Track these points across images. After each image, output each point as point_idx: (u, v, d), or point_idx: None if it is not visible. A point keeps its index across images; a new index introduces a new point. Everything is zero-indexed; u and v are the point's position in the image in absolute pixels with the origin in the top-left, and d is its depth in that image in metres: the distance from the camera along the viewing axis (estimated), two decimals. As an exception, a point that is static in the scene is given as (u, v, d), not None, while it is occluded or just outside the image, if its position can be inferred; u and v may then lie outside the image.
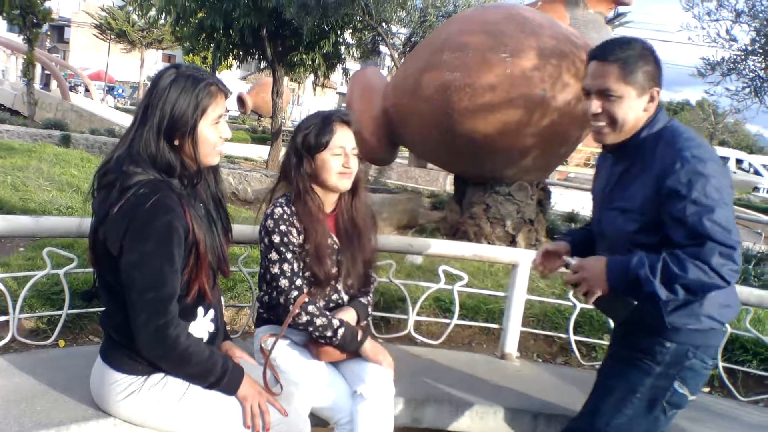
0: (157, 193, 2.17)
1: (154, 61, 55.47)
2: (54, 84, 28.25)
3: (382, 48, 15.10)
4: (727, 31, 8.04)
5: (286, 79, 22.74)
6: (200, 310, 2.40)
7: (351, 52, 15.99)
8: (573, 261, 2.50)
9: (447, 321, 4.30)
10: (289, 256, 2.74)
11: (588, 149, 23.48)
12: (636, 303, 2.36)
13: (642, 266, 2.22)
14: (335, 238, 2.88)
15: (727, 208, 2.21)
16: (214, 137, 2.35)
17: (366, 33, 14.59)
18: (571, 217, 10.58)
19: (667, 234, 2.27)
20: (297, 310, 2.68)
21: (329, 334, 2.70)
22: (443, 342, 4.33)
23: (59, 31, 67.39)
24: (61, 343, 3.80)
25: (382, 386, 2.71)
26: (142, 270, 2.15)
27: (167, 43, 40.96)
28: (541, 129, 7.26)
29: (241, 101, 32.99)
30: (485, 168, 7.85)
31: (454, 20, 8.42)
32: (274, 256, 2.75)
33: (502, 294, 4.36)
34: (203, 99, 2.28)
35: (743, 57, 8.28)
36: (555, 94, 7.12)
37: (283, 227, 2.76)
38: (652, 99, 2.37)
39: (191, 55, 25.31)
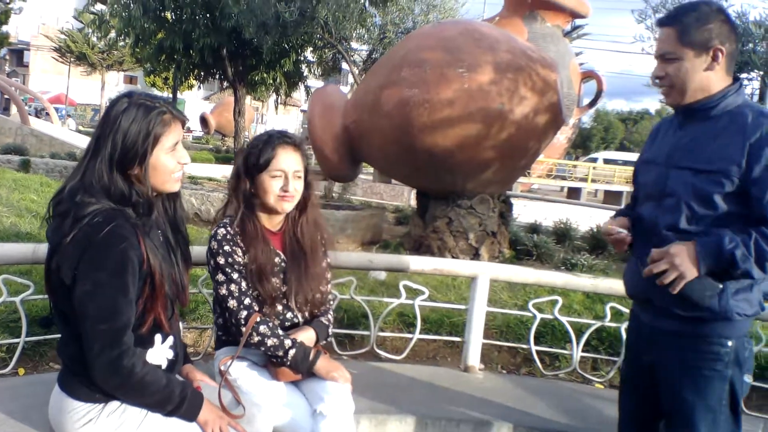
0: (111, 223, 2.14)
1: (115, 83, 55.07)
2: (13, 109, 27.85)
3: (344, 65, 15.14)
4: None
5: (249, 98, 22.73)
6: (158, 337, 2.38)
7: (312, 70, 16.04)
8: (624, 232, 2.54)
9: (410, 335, 4.32)
10: (235, 276, 2.73)
11: (550, 160, 23.75)
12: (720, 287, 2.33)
13: (737, 246, 2.20)
14: (283, 256, 2.88)
15: None
16: (171, 164, 2.33)
17: (326, 51, 14.66)
18: (534, 228, 10.67)
19: (752, 206, 2.27)
20: (249, 331, 2.67)
21: (280, 353, 2.69)
22: (407, 357, 4.34)
23: (18, 55, 66.50)
24: (21, 371, 3.76)
25: (341, 403, 2.71)
26: (95, 300, 2.13)
27: (128, 64, 40.70)
28: (500, 142, 7.35)
29: (204, 121, 32.85)
30: (446, 182, 7.92)
31: (412, 37, 8.51)
32: (220, 277, 2.74)
33: (464, 307, 4.38)
34: (155, 127, 2.25)
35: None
36: (512, 107, 7.22)
37: (227, 248, 2.75)
38: (715, 58, 2.35)
39: (152, 76, 25.25)
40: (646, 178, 2.60)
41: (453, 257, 7.88)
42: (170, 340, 2.43)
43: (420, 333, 4.33)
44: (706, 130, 2.39)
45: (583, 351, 4.37)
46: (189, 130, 45.27)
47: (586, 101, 23.52)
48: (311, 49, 14.85)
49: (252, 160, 2.79)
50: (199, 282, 3.88)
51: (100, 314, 2.13)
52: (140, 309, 2.24)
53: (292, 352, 2.69)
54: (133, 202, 2.25)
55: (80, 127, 40.44)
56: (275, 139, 2.83)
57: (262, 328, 2.69)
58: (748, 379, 2.42)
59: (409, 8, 13.05)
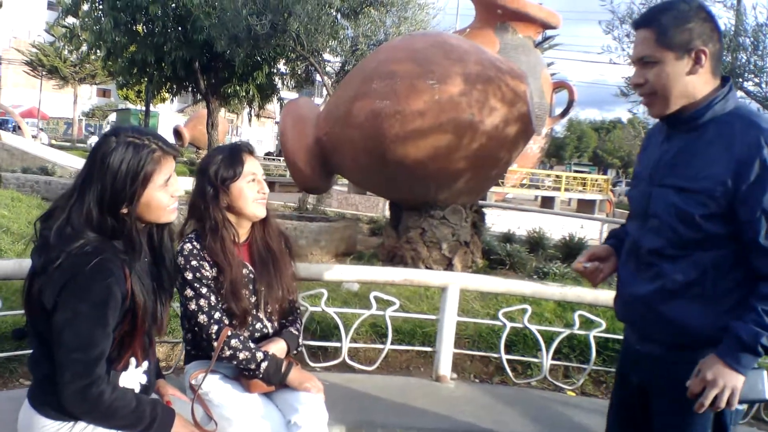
0: (99, 255, 2.13)
1: (88, 96, 54.69)
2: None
3: (317, 77, 15.18)
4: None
5: (223, 110, 22.68)
6: (132, 361, 2.38)
7: (285, 83, 16.05)
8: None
9: (382, 346, 4.34)
10: (204, 290, 2.73)
11: (524, 170, 23.90)
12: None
13: (758, 333, 2.01)
14: (250, 267, 2.88)
15: None
16: (165, 200, 2.31)
17: (299, 63, 14.69)
18: (508, 238, 10.74)
19: (741, 229, 2.08)
20: (221, 345, 2.67)
21: (252, 366, 2.70)
22: (381, 367, 4.36)
23: (-11, 69, 65.82)
24: (-9, 387, 3.73)
25: (315, 414, 2.72)
26: (73, 330, 2.11)
27: (101, 77, 40.41)
28: (471, 152, 7.41)
29: (177, 134, 32.69)
30: (419, 193, 7.95)
31: (382, 49, 8.56)
32: (189, 292, 2.73)
33: (435, 317, 4.41)
34: (146, 167, 2.23)
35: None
36: (483, 118, 7.28)
37: (194, 263, 2.74)
38: (697, 60, 2.13)
39: (125, 89, 25.10)
40: (633, 193, 2.44)
41: (427, 268, 7.90)
42: (144, 365, 2.43)
43: (392, 343, 4.36)
44: (692, 143, 2.19)
45: (554, 359, 4.42)
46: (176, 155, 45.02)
47: (558, 111, 23.77)
48: (284, 61, 14.87)
49: (223, 172, 2.79)
50: (169, 296, 3.87)
51: (75, 343, 2.11)
52: (116, 342, 2.24)
53: (264, 365, 2.70)
54: (125, 235, 2.24)
55: (53, 141, 40.09)
56: (238, 148, 2.87)
57: (234, 342, 2.69)
58: (741, 406, 2.19)
59: (381, 20, 13.10)
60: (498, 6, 20.63)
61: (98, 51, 14.34)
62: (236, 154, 2.83)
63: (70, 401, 2.16)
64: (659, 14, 2.18)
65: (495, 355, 4.55)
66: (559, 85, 23.38)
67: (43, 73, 43.45)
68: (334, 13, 12.83)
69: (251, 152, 2.89)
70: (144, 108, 25.50)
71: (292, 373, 2.76)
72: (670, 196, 2.19)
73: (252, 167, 2.83)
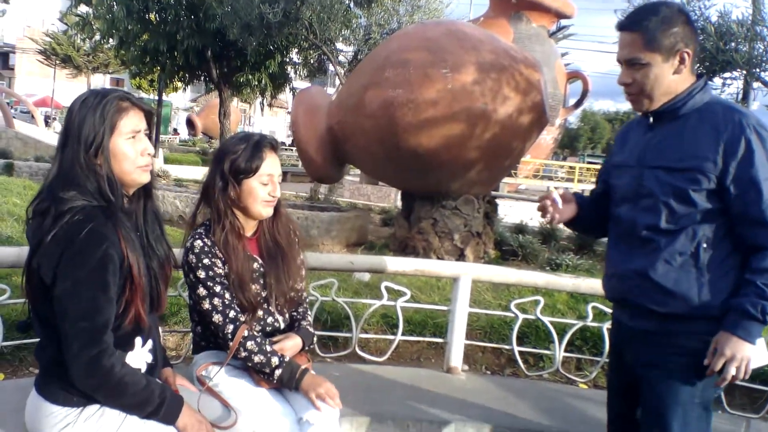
0: (92, 221, 2.12)
1: (101, 85, 54.84)
2: (-1, 112, 27.71)
3: (330, 66, 15.13)
4: (663, 41, 8.20)
5: (236, 99, 22.67)
6: (138, 340, 2.35)
7: (298, 72, 16.01)
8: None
9: (392, 337, 4.30)
10: (218, 289, 2.67)
11: (537, 161, 23.80)
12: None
13: (763, 304, 2.19)
14: (260, 261, 2.83)
15: None
16: (132, 152, 2.29)
17: (311, 52, 14.63)
18: (520, 229, 10.68)
19: (732, 204, 2.26)
20: (236, 346, 2.63)
21: (267, 371, 2.65)
22: (391, 358, 4.33)
23: (4, 58, 66.15)
24: (0, 376, 3.72)
25: (328, 411, 2.68)
26: (75, 299, 2.10)
27: (113, 67, 40.44)
28: (484, 142, 7.36)
29: (190, 123, 32.83)
30: (431, 182, 7.91)
31: (395, 38, 8.50)
32: (202, 291, 2.67)
33: (446, 308, 4.36)
34: (111, 113, 2.23)
35: (679, 66, 8.47)
36: (496, 107, 7.23)
37: (206, 260, 2.68)
38: (682, 61, 2.33)
39: (138, 78, 25.14)
40: (620, 180, 2.57)
41: (438, 258, 7.87)
42: (150, 343, 2.41)
43: (403, 334, 4.32)
44: (676, 129, 2.38)
45: (566, 351, 4.37)
46: (176, 132, 45.13)
47: (572, 101, 23.62)
48: (296, 50, 14.81)
49: (239, 165, 2.71)
50: (178, 285, 3.85)
51: (80, 312, 2.10)
52: (121, 306, 2.22)
53: (278, 372, 2.63)
54: (102, 191, 2.22)
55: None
56: (262, 143, 2.77)
57: (249, 344, 2.63)
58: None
59: (394, 9, 13.01)
60: (512, -5, 20.51)
61: (111, 39, 14.33)
62: (258, 149, 2.73)
63: (80, 375, 2.14)
64: (645, 19, 2.34)
65: (507, 347, 4.50)
66: (573, 76, 23.22)
67: (57, 62, 43.55)
68: (347, 2, 12.75)
69: (274, 148, 2.80)
70: (156, 97, 25.50)
71: (306, 379, 2.70)
72: (661, 176, 2.36)
73: (270, 167, 2.74)
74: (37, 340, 2.36)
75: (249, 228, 2.84)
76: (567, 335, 4.28)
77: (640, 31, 2.34)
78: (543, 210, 2.66)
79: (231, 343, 2.62)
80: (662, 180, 2.35)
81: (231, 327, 2.64)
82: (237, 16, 11.47)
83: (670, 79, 2.35)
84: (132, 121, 2.29)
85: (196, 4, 12.97)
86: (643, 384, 2.45)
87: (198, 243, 2.70)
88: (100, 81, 54.19)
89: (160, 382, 2.41)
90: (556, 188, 2.70)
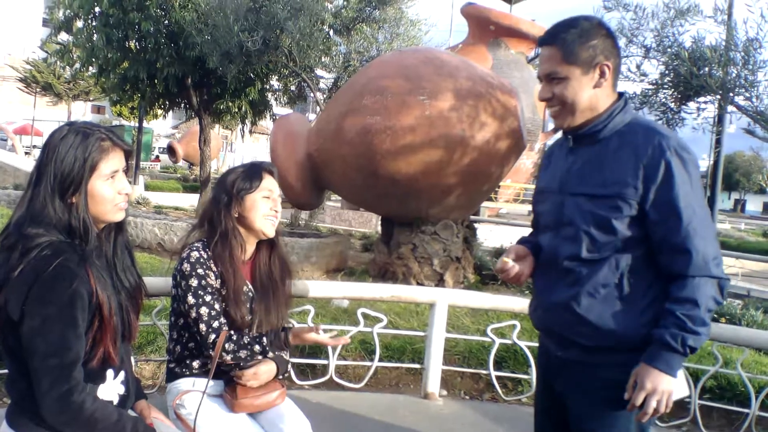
0: (60, 256, 2.10)
1: (82, 113, 54.60)
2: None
3: (310, 93, 15.19)
4: (638, 67, 8.30)
5: (218, 126, 22.66)
6: (110, 372, 2.34)
7: (278, 99, 16.04)
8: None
9: (370, 364, 4.29)
10: (208, 299, 2.72)
11: (517, 185, 23.92)
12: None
13: (683, 336, 2.09)
14: (250, 286, 2.88)
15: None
16: (111, 193, 2.30)
17: (291, 79, 14.67)
18: (500, 252, 10.70)
19: (652, 230, 2.18)
20: (219, 352, 2.65)
21: (259, 358, 2.74)
22: (370, 384, 4.33)
23: (-17, 86, 65.83)
24: (-22, 405, 3.69)
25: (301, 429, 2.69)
26: (44, 336, 2.08)
27: (94, 94, 40.31)
28: (462, 168, 7.41)
29: (171, 150, 32.68)
30: (410, 208, 7.94)
31: (373, 65, 8.57)
32: (191, 300, 2.72)
33: (423, 334, 4.37)
34: (93, 154, 2.22)
35: (654, 90, 8.55)
36: (474, 133, 7.29)
37: (200, 270, 2.74)
38: (602, 74, 2.26)
39: (118, 105, 25.10)
40: (543, 207, 2.50)
41: (418, 283, 7.88)
42: (122, 375, 2.39)
43: (382, 360, 4.32)
44: (597, 153, 2.29)
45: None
46: (157, 159, 44.95)
47: (551, 126, 23.79)
48: (277, 77, 14.86)
49: (241, 182, 2.84)
50: (153, 314, 3.84)
51: (49, 349, 2.08)
52: (89, 343, 2.21)
53: (269, 352, 2.74)
54: (80, 233, 2.22)
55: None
56: (260, 165, 2.94)
57: (228, 346, 2.69)
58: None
59: (373, 36, 13.11)
60: (491, 22, 20.74)
61: (90, 67, 14.31)
62: (257, 170, 2.89)
63: (50, 411, 2.12)
64: (563, 32, 2.27)
65: (485, 372, 4.50)
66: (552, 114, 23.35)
67: (37, 89, 43.36)
68: (327, 30, 12.82)
69: (271, 173, 2.93)
70: (137, 124, 25.43)
71: (293, 334, 2.77)
72: (582, 203, 2.27)
73: (269, 184, 2.88)
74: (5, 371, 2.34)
75: (247, 251, 2.90)
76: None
77: (558, 44, 2.27)
78: (507, 279, 2.52)
79: (212, 352, 2.66)
80: (583, 208, 2.27)
81: (213, 336, 2.68)
82: (216, 45, 11.48)
83: (591, 93, 2.28)
84: (113, 162, 2.28)
85: (176, 32, 12.97)
86: (573, 421, 2.36)
87: (195, 254, 2.77)
88: (81, 108, 54.03)
89: (132, 415, 2.39)
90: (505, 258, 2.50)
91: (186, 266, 2.75)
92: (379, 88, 7.51)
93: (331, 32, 13.28)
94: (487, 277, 8.98)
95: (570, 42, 2.25)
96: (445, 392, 4.52)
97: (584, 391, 2.30)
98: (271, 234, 2.88)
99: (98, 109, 59.55)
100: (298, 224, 13.52)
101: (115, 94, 15.08)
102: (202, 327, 2.70)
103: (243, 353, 2.69)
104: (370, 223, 17.22)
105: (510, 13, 25.47)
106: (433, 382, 4.18)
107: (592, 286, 2.24)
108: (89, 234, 2.26)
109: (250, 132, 17.81)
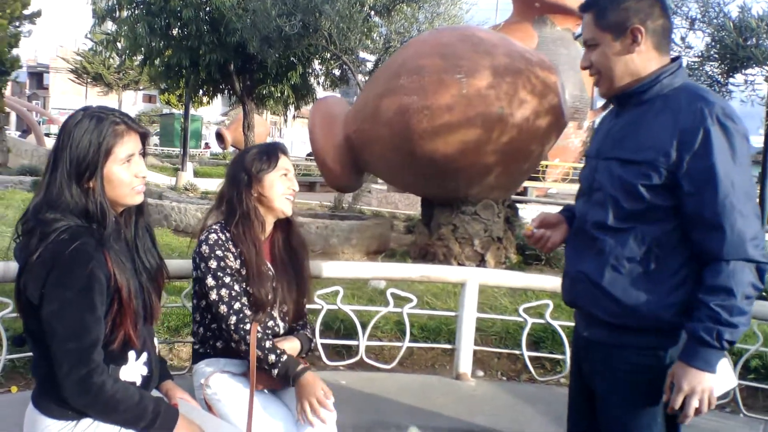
0: (77, 240, 2.11)
1: (132, 102, 55.60)
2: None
3: (352, 76, 15.16)
4: (682, 39, 8.09)
5: (266, 112, 22.80)
6: (131, 354, 2.34)
7: (320, 82, 16.07)
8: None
9: (400, 344, 4.26)
10: (227, 280, 2.73)
11: (566, 164, 23.57)
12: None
13: (718, 330, 1.93)
14: (269, 266, 2.88)
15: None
16: (128, 177, 2.30)
17: (333, 62, 14.67)
18: (545, 233, 10.56)
19: (684, 202, 2.01)
20: (254, 343, 2.66)
21: (265, 367, 2.68)
22: (406, 365, 4.31)
23: (39, 78, 67.52)
24: (14, 389, 3.77)
25: (324, 415, 2.65)
26: (62, 319, 2.10)
27: (144, 83, 41.00)
28: (501, 146, 7.31)
29: (220, 137, 33.06)
30: (449, 188, 7.87)
31: (409, 44, 8.49)
32: (210, 282, 2.73)
33: (454, 314, 4.32)
34: (107, 138, 2.22)
35: (700, 63, 8.33)
36: (512, 111, 7.17)
37: (219, 252, 2.75)
38: (634, 39, 2.11)
39: (166, 94, 25.49)
40: (582, 173, 2.38)
41: (459, 264, 7.82)
42: (144, 356, 2.40)
43: (417, 341, 4.29)
44: (639, 116, 2.14)
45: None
46: (207, 146, 45.51)
47: (600, 104, 23.37)
48: (318, 61, 14.88)
49: (259, 162, 2.85)
50: (182, 296, 3.86)
51: (67, 333, 2.10)
52: (109, 326, 2.21)
53: (275, 370, 2.68)
54: (98, 217, 2.22)
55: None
56: (274, 145, 2.99)
57: (268, 344, 2.71)
58: None
59: (414, 16, 12.99)
60: (535, -1, 20.40)
61: (134, 56, 14.52)
62: (272, 150, 2.92)
63: (71, 394, 2.14)
64: None
65: (516, 352, 4.43)
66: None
67: (88, 80, 44.27)
68: (367, 11, 12.74)
69: (285, 152, 2.96)
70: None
71: (302, 381, 2.69)
72: (613, 168, 2.14)
73: (286, 164, 2.90)
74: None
75: (266, 230, 2.92)
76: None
77: (592, 9, 2.17)
78: (534, 245, 2.48)
79: (234, 335, 2.68)
80: (613, 173, 2.13)
81: (234, 318, 2.69)
82: (256, 29, 11.51)
83: (626, 58, 2.13)
84: (128, 146, 2.28)
85: (216, 18, 13.07)
86: (599, 404, 2.25)
87: (213, 236, 2.78)
88: (132, 98, 54.98)
89: (154, 396, 2.40)
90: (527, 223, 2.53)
91: (205, 248, 2.76)
92: (415, 67, 7.44)
93: (372, 13, 13.21)
94: (530, 257, 8.86)
95: (603, 6, 2.14)
96: (481, 373, 4.48)
97: (609, 374, 2.19)
98: (290, 212, 2.90)
99: (149, 98, 60.53)
100: (342, 207, 13.53)
101: (160, 82, 15.28)
102: (222, 308, 2.71)
103: (258, 353, 2.68)
104: (416, 205, 17.12)
105: (555, -10, 25.00)
106: (465, 363, 4.12)
107: (616, 257, 2.11)
108: (107, 218, 2.26)
109: (293, 117, 17.87)
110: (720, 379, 2.02)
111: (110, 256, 2.19)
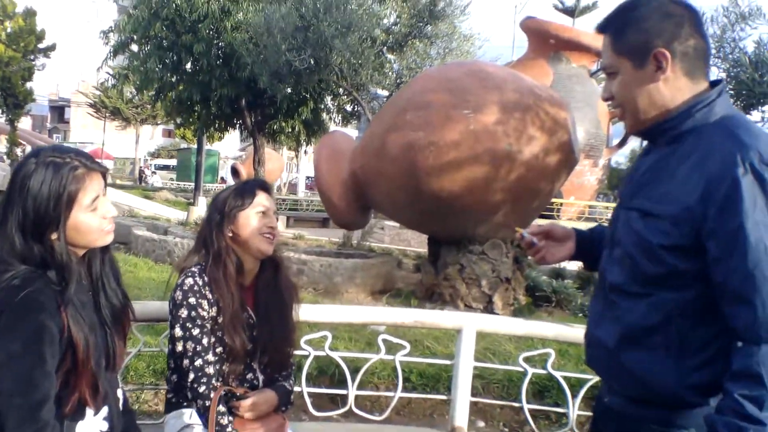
0: (28, 288, 1.93)
1: (149, 136, 56.15)
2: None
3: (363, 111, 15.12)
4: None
5: (284, 147, 22.81)
6: (89, 410, 2.15)
7: (332, 118, 16.02)
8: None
9: (391, 394, 4.00)
10: (195, 332, 2.55)
11: (581, 203, 23.33)
12: None
13: (741, 428, 1.57)
14: (251, 312, 2.70)
15: None
16: (96, 222, 2.11)
17: (345, 98, 14.61)
18: (558, 273, 10.29)
19: (712, 268, 1.66)
20: (214, 411, 2.48)
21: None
22: (402, 415, 4.07)
23: (60, 112, 68.63)
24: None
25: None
26: (9, 372, 1.92)
27: (161, 118, 41.43)
28: (510, 184, 7.10)
29: (235, 172, 33.20)
30: (455, 227, 7.66)
31: (417, 80, 8.37)
32: (178, 332, 2.57)
33: (450, 362, 4.06)
34: (68, 187, 2.03)
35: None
36: (521, 147, 6.98)
37: (192, 299, 2.58)
38: (658, 65, 1.74)
39: (182, 128, 25.56)
40: (611, 220, 2.02)
41: (465, 305, 7.60)
42: (105, 410, 2.20)
43: (416, 387, 4.05)
44: (665, 157, 1.79)
45: (586, 407, 4.01)
46: (223, 181, 45.75)
47: (615, 141, 23.19)
48: (330, 96, 14.84)
49: (232, 199, 2.69)
50: (160, 339, 3.66)
51: (14, 387, 1.92)
52: (60, 383, 2.02)
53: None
54: (57, 264, 2.03)
55: (117, 181, 41.14)
56: (251, 182, 2.85)
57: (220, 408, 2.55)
58: None
59: (426, 52, 12.93)
60: (551, 36, 20.32)
61: (146, 91, 14.54)
62: (249, 187, 2.76)
63: None
64: (617, 16, 1.84)
65: (517, 404, 4.16)
66: (616, 115, 22.78)
67: (107, 114, 44.82)
68: (379, 47, 12.69)
69: (264, 189, 2.79)
70: (205, 147, 25.75)
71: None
72: (633, 220, 1.80)
73: (263, 200, 2.72)
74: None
75: (245, 277, 2.74)
76: (582, 391, 3.93)
77: (610, 31, 1.84)
78: (528, 254, 2.20)
79: (190, 392, 2.55)
80: (633, 227, 1.80)
81: (192, 375, 2.53)
82: (266, 64, 11.47)
83: (650, 88, 1.77)
84: (91, 190, 2.08)
85: (228, 53, 13.08)
86: None
87: (188, 281, 2.61)
88: (149, 132, 55.52)
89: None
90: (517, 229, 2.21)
91: (178, 294, 2.59)
92: (422, 102, 7.28)
93: (384, 49, 13.15)
94: (540, 298, 8.62)
95: (621, 27, 1.81)
96: (482, 424, 4.22)
97: None
98: (268, 251, 2.70)
99: (168, 133, 61.19)
100: (351, 244, 13.34)
101: (173, 116, 15.31)
102: (185, 362, 2.55)
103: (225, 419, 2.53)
104: (428, 243, 16.94)
105: (571, 26, 25.00)
106: (461, 416, 3.84)
107: (632, 327, 1.80)
108: (71, 276, 2.06)
109: (305, 153, 17.85)
110: None
111: (66, 307, 2.00)
